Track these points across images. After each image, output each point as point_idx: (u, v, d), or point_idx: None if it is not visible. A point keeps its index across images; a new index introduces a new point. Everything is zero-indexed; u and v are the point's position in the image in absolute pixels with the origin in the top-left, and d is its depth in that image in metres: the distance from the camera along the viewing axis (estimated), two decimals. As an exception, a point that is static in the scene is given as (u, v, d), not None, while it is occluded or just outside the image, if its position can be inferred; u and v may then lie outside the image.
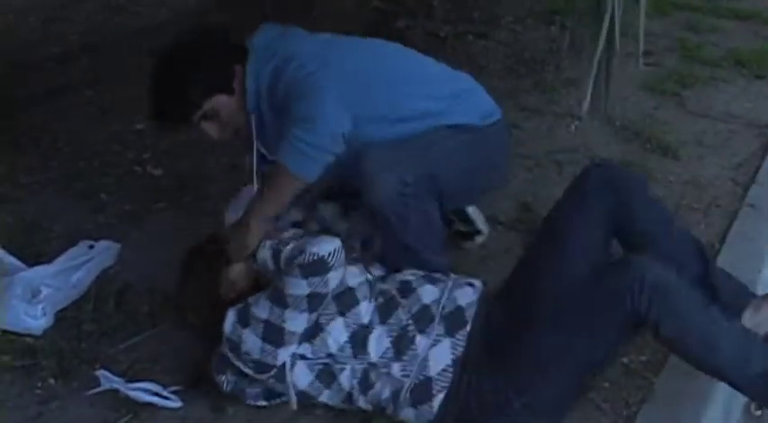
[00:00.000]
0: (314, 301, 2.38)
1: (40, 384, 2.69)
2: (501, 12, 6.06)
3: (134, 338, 2.87)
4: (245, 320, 2.44)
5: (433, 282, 2.59)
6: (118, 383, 2.58)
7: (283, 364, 2.43)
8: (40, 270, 3.07)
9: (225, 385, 2.52)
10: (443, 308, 2.49)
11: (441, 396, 2.39)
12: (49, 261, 3.14)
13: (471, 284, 2.61)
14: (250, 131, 2.81)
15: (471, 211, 3.35)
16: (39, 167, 4.02)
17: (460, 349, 2.41)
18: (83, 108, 4.68)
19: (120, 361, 2.78)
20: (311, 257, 2.34)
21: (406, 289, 2.55)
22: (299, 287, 2.36)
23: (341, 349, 2.43)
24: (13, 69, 5.02)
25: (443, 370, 2.40)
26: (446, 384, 2.39)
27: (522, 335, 2.40)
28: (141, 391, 2.58)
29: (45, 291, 2.96)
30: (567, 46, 4.78)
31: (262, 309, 2.42)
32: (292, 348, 2.42)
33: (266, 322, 2.40)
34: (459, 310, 2.49)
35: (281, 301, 2.39)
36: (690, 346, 2.30)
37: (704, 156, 4.21)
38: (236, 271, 2.65)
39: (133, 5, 6.34)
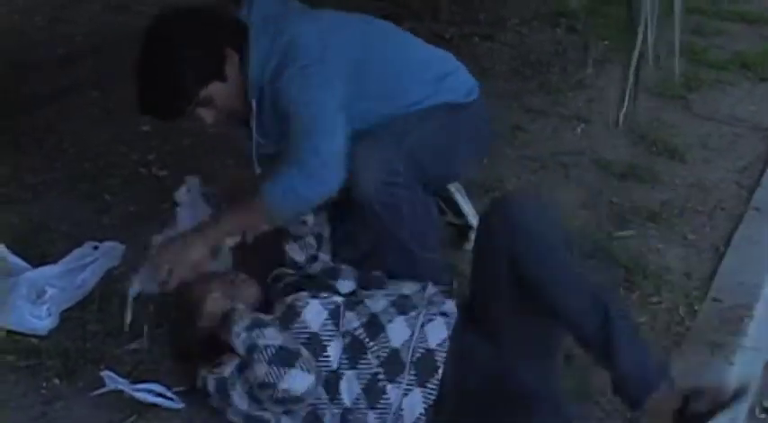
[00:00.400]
0: (286, 402, 2.32)
1: (44, 384, 2.69)
2: (507, 14, 6.06)
3: (138, 339, 2.86)
4: (225, 398, 2.38)
5: (405, 311, 2.44)
6: (122, 384, 2.58)
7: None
8: (45, 270, 3.07)
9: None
10: (413, 352, 2.37)
11: None
12: (54, 262, 3.14)
13: (444, 314, 2.45)
14: (251, 119, 2.71)
15: (462, 202, 3.32)
16: (43, 168, 4.02)
17: (432, 397, 2.35)
18: (87, 109, 4.68)
19: (125, 362, 2.78)
20: (285, 394, 2.26)
21: (375, 326, 2.42)
22: (275, 407, 2.33)
23: (318, 397, 2.36)
24: (18, 70, 5.02)
25: (418, 419, 2.35)
26: None
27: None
28: (146, 392, 2.57)
29: (50, 291, 2.96)
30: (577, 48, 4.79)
31: (240, 400, 2.35)
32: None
33: (246, 415, 2.38)
34: (430, 354, 2.37)
35: (259, 404, 2.34)
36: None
37: (710, 159, 4.20)
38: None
39: (137, 5, 6.32)
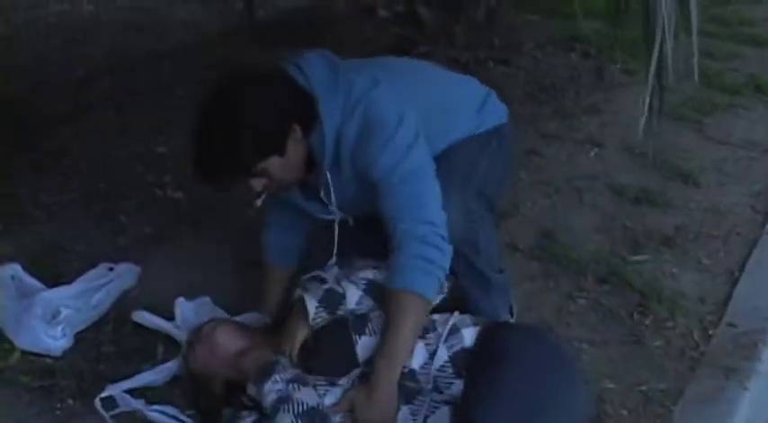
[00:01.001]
0: None
1: (59, 405, 2.70)
2: (521, 38, 6.08)
3: (152, 361, 2.87)
4: None
5: (409, 400, 2.35)
6: (136, 404, 2.59)
7: None
8: (60, 291, 3.08)
9: None
10: None
11: None
12: (69, 282, 3.16)
13: (448, 402, 2.33)
14: (321, 189, 2.58)
15: None
16: (59, 188, 4.04)
17: None
18: (104, 129, 4.70)
19: (139, 383, 2.78)
20: None
21: None
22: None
23: None
24: (35, 90, 5.06)
25: None
26: None
27: None
28: (158, 413, 2.58)
29: (65, 312, 2.97)
30: (592, 73, 4.79)
31: None
32: None
33: None
34: None
35: None
36: None
37: (724, 183, 4.20)
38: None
39: (156, 27, 6.38)
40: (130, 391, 2.68)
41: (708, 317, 3.18)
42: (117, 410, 2.61)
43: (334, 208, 2.60)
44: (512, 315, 2.93)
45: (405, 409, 2.34)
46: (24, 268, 3.18)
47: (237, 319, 2.88)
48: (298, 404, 2.26)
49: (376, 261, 2.54)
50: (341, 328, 2.41)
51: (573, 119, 4.87)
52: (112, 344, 2.97)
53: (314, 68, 2.52)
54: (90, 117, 4.83)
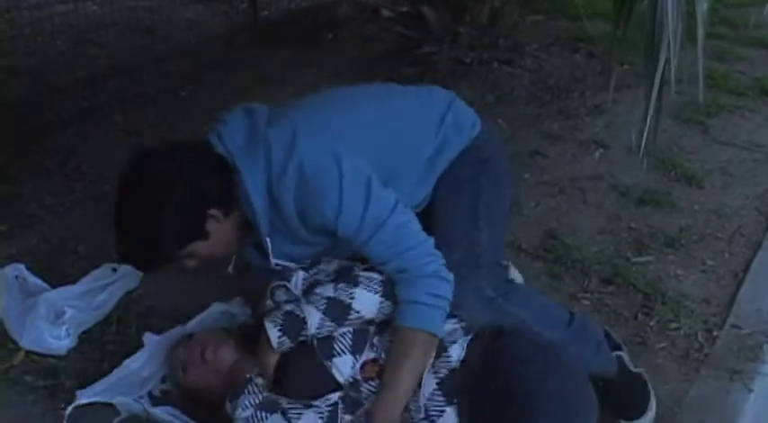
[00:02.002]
0: None
1: (62, 405, 2.69)
2: (526, 39, 6.07)
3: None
4: None
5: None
6: (137, 407, 2.59)
7: None
8: (64, 291, 3.09)
9: None
10: None
11: None
12: (73, 283, 3.16)
13: (453, 403, 2.27)
14: (263, 250, 2.51)
15: None
16: (64, 189, 4.05)
17: None
18: (109, 131, 4.70)
19: (142, 383, 2.78)
20: None
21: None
22: None
23: None
24: (41, 92, 5.06)
25: None
26: None
27: None
28: (162, 413, 2.58)
29: (69, 312, 2.98)
30: (597, 74, 4.79)
31: None
32: None
33: None
34: None
35: None
36: None
37: (729, 185, 4.19)
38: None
39: (161, 29, 6.38)
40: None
41: (712, 318, 3.18)
42: (120, 418, 2.62)
43: (282, 266, 2.52)
44: None
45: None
46: (29, 268, 3.19)
47: (226, 306, 2.91)
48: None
49: (338, 262, 2.52)
50: (309, 352, 2.36)
51: (577, 119, 4.87)
52: (116, 344, 2.97)
53: (232, 135, 2.44)
54: (95, 118, 4.84)
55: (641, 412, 2.65)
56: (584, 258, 3.49)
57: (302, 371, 2.37)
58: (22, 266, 3.18)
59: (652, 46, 2.77)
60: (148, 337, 2.86)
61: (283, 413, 2.31)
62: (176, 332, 2.84)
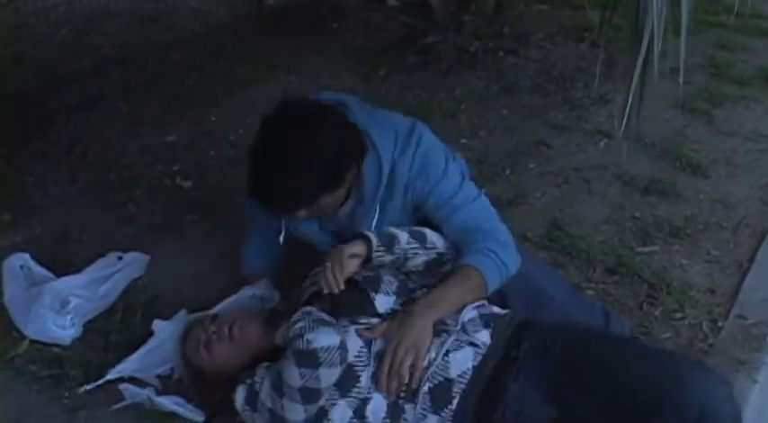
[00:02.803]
0: (306, 395, 2.29)
1: (67, 394, 2.71)
2: (531, 28, 6.06)
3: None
4: (252, 404, 2.39)
5: (435, 334, 2.39)
6: (142, 395, 2.60)
7: None
8: (69, 280, 3.09)
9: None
10: (431, 377, 2.34)
11: None
12: (78, 271, 3.17)
13: (474, 344, 2.38)
14: (359, 223, 2.67)
15: None
16: (69, 178, 4.05)
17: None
18: (114, 120, 4.71)
19: (147, 372, 2.79)
20: (305, 345, 2.26)
21: None
22: (292, 376, 2.28)
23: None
24: (45, 81, 5.06)
25: None
26: None
27: None
28: (167, 402, 2.59)
29: (74, 301, 2.98)
30: (601, 63, 4.76)
31: (266, 396, 2.36)
32: None
33: (271, 411, 2.36)
34: (448, 383, 2.33)
35: (279, 388, 2.33)
36: None
37: (734, 175, 4.19)
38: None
39: (165, 18, 6.37)
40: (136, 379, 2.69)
41: (717, 308, 3.18)
42: (124, 403, 2.62)
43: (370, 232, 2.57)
44: None
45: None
46: (33, 258, 3.19)
47: (254, 290, 2.96)
48: (309, 315, 2.37)
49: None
50: (355, 288, 2.50)
51: (582, 109, 4.86)
52: (120, 333, 2.98)
53: (354, 106, 2.64)
54: (99, 107, 4.83)
55: None
56: (588, 248, 3.48)
57: (350, 297, 2.47)
58: (26, 256, 3.18)
59: (636, 30, 2.76)
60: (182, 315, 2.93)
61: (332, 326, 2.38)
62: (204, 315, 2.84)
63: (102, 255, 3.29)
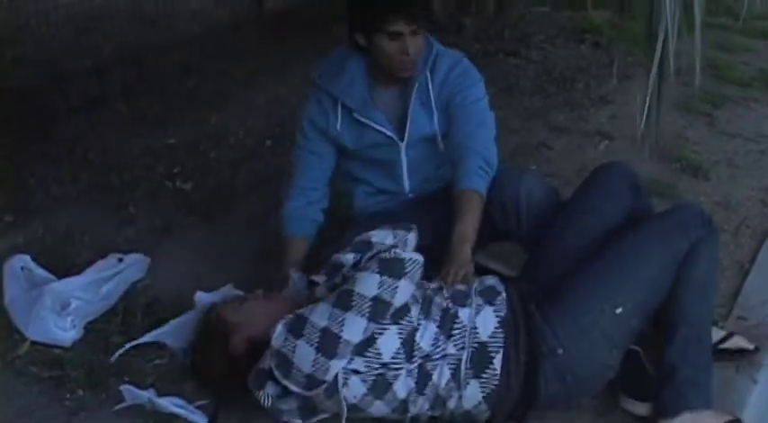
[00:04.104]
0: (376, 308, 2.36)
1: (68, 396, 2.70)
2: (532, 30, 6.07)
3: (162, 352, 2.88)
4: (298, 331, 2.36)
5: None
6: (143, 396, 2.59)
7: (335, 380, 2.37)
8: (70, 282, 3.08)
9: (265, 400, 2.43)
10: (476, 288, 2.59)
11: (498, 356, 2.43)
12: (79, 273, 3.16)
13: (490, 304, 2.59)
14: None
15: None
16: (70, 179, 4.06)
17: (503, 311, 2.50)
18: (114, 121, 4.71)
19: (148, 373, 2.79)
20: (393, 254, 2.46)
21: (437, 288, 2.62)
22: (369, 283, 2.39)
23: (394, 357, 2.40)
24: (46, 81, 5.06)
25: (494, 331, 2.46)
26: (500, 344, 2.45)
27: (577, 273, 2.60)
28: (168, 403, 2.59)
29: (74, 303, 2.98)
30: (615, 66, 4.78)
31: (320, 315, 2.37)
32: (344, 361, 2.36)
33: (324, 330, 2.34)
34: (491, 287, 2.61)
35: (344, 302, 2.37)
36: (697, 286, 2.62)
37: (735, 176, 4.19)
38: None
39: (165, 19, 6.37)
40: (138, 383, 2.69)
41: (718, 310, 3.17)
42: (124, 404, 2.62)
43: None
44: None
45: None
46: (34, 259, 3.19)
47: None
48: (378, 257, 2.51)
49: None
50: None
51: (582, 111, 4.87)
52: (121, 335, 2.97)
53: None
54: (100, 108, 4.84)
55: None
56: (589, 250, 3.47)
57: None
58: (27, 257, 3.18)
59: (650, 34, 2.78)
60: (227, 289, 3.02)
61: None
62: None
63: (102, 256, 3.28)
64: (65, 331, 2.92)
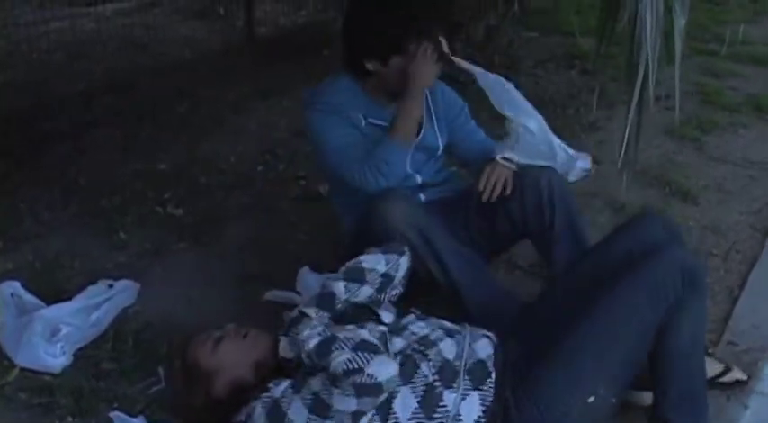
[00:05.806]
0: (357, 416, 2.26)
1: (57, 422, 2.69)
2: (522, 55, 6.09)
3: (152, 378, 2.87)
4: (280, 419, 2.31)
5: (451, 334, 2.50)
6: (131, 422, 2.59)
7: None
8: (60, 308, 3.07)
9: None
10: (466, 362, 2.41)
11: None
12: (69, 299, 3.15)
13: (487, 336, 2.52)
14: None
15: None
16: (60, 204, 4.05)
17: (489, 398, 2.38)
18: (105, 146, 4.71)
19: (138, 400, 2.77)
20: (369, 379, 2.20)
21: (426, 343, 2.46)
22: (347, 404, 2.24)
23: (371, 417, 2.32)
24: (37, 106, 5.07)
25: (476, 420, 2.36)
26: None
27: (554, 350, 2.45)
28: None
29: (64, 329, 2.97)
30: (596, 94, 4.80)
31: (298, 415, 2.29)
32: None
33: None
34: (482, 362, 2.42)
35: (322, 412, 2.27)
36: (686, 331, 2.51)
37: (724, 201, 4.20)
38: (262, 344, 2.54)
39: (156, 45, 6.40)
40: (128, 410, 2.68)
41: (708, 335, 3.17)
42: (112, 430, 2.62)
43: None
44: None
45: (449, 340, 2.48)
46: (24, 285, 3.18)
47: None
48: (347, 340, 2.29)
49: None
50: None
51: (572, 137, 4.88)
52: (112, 361, 2.96)
53: None
54: (91, 133, 4.85)
55: None
56: (579, 275, 3.48)
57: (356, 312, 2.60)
58: (17, 284, 3.17)
59: (632, 62, 2.79)
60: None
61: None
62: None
63: (92, 282, 3.28)
64: (54, 358, 2.91)
